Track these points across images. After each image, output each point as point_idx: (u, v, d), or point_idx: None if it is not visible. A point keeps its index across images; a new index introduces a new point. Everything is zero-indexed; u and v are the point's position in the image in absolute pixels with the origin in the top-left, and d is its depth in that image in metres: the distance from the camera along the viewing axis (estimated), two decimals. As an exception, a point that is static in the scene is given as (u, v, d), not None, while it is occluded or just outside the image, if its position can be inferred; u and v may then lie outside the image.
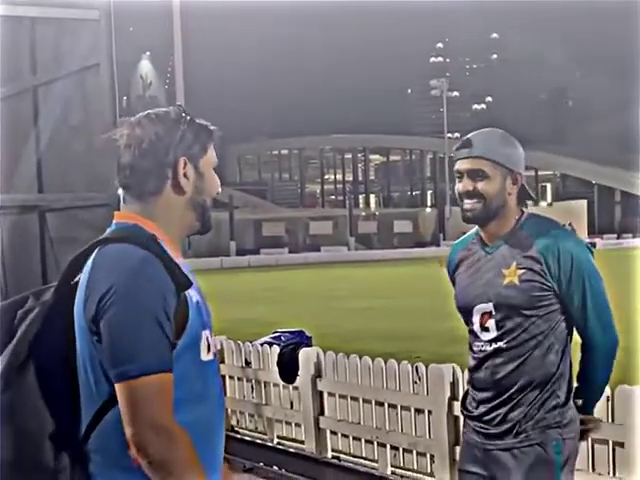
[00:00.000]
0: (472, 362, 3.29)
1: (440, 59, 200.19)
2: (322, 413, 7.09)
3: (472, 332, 3.29)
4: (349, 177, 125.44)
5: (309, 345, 8.11)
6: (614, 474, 4.98)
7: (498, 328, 3.18)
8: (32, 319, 2.29)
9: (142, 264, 2.18)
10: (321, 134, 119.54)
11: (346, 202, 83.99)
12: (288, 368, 7.30)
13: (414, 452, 6.33)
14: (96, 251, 2.26)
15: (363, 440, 6.74)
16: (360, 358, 6.78)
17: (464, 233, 3.50)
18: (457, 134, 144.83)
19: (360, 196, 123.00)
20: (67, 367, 2.27)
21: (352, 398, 6.83)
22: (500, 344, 3.18)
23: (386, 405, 6.53)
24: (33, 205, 8.69)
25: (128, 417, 2.10)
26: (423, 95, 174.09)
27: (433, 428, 6.12)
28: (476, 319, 3.25)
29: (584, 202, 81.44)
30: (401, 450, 6.43)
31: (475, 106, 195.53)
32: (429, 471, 6.22)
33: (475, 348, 3.27)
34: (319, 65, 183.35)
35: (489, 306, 3.20)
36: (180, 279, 2.22)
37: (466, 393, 3.39)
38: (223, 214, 68.91)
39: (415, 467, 6.35)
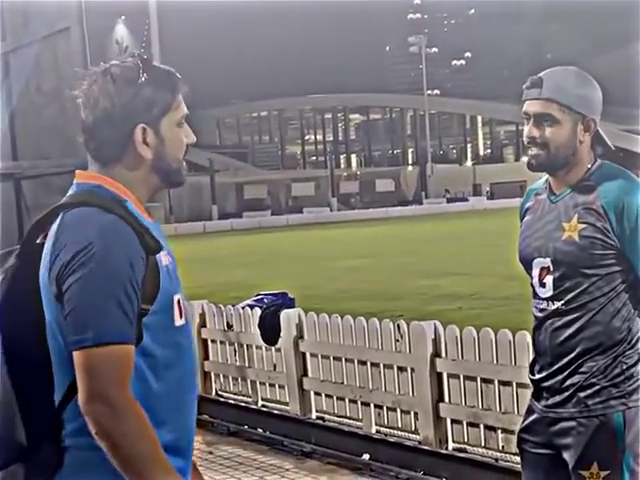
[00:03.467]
0: (534, 321, 3.10)
1: (418, 15, 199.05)
2: (305, 374, 7.07)
3: (532, 287, 3.09)
4: (329, 137, 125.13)
5: (292, 307, 8.08)
6: None
7: (556, 287, 2.98)
8: None
9: (108, 229, 2.10)
10: (300, 94, 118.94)
11: (327, 162, 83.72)
12: (270, 330, 7.26)
13: (398, 410, 6.32)
14: (60, 215, 2.17)
15: (347, 400, 6.74)
16: (341, 318, 6.76)
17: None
18: (437, 91, 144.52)
19: (341, 156, 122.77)
20: (37, 334, 2.20)
21: (335, 358, 6.81)
22: (558, 304, 2.97)
23: (369, 364, 6.51)
24: (8, 173, 8.61)
25: (80, 386, 2.06)
26: (402, 52, 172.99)
27: (416, 385, 6.11)
28: (535, 273, 3.05)
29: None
30: (385, 408, 6.43)
31: (454, 62, 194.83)
32: (413, 428, 6.22)
33: (535, 305, 3.08)
34: (297, 24, 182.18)
35: (547, 261, 3.00)
36: (149, 243, 2.14)
37: (534, 357, 3.19)
38: (204, 178, 68.70)
39: (399, 425, 6.35)
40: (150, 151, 2.23)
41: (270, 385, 7.50)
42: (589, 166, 3.02)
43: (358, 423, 6.66)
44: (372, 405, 6.51)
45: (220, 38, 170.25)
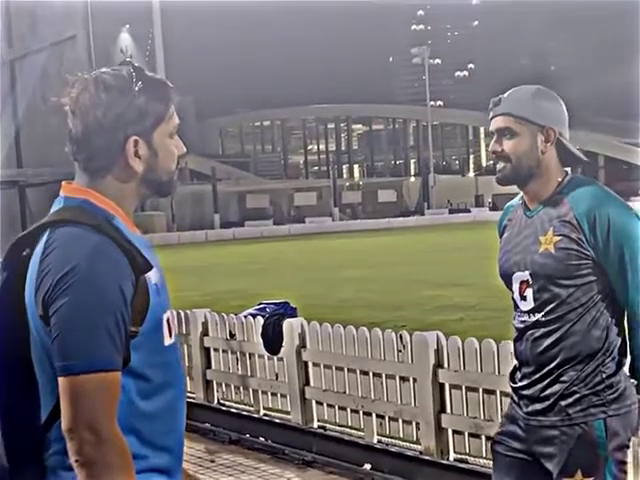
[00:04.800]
0: (515, 333, 3.17)
1: (421, 27, 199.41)
2: (307, 383, 7.08)
3: (513, 301, 3.16)
4: (332, 147, 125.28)
5: (294, 316, 8.09)
6: None
7: (535, 299, 3.05)
8: None
9: (97, 250, 2.02)
10: (303, 104, 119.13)
11: (330, 172, 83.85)
12: (273, 339, 7.28)
13: (400, 420, 6.33)
14: (47, 233, 2.09)
15: (349, 409, 6.74)
16: (344, 328, 6.77)
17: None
18: (440, 102, 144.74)
19: (344, 166, 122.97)
20: (22, 352, 2.14)
21: (337, 368, 6.82)
22: (538, 316, 3.04)
23: (371, 374, 6.52)
24: (13, 180, 8.65)
25: (66, 412, 2.00)
26: (405, 63, 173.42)
27: (418, 396, 6.12)
28: (515, 287, 3.11)
29: (568, 168, 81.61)
30: (387, 418, 6.43)
31: (457, 73, 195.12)
32: (415, 439, 6.23)
33: (516, 318, 3.15)
34: (300, 35, 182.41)
35: (526, 274, 3.07)
36: (138, 263, 2.07)
37: (515, 364, 3.25)
38: (206, 187, 68.81)
39: (401, 435, 6.36)
40: (141, 164, 2.16)
41: (272, 394, 7.51)
42: (559, 180, 3.10)
43: (360, 433, 6.67)
44: (374, 415, 6.52)
45: (224, 47, 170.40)
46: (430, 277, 20.88)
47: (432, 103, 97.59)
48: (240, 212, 74.28)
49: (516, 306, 3.13)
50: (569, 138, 3.17)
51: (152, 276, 2.13)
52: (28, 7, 7.99)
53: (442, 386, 5.97)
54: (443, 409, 5.97)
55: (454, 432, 5.94)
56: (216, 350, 8.10)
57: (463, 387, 5.85)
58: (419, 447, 6.15)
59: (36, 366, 2.13)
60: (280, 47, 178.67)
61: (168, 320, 2.18)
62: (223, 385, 8.09)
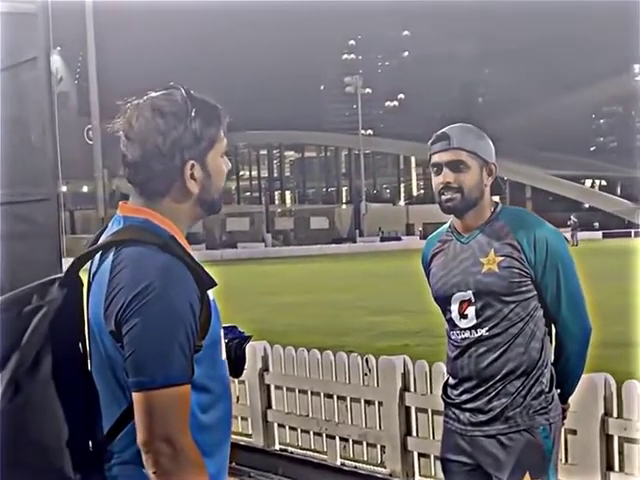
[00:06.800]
0: (453, 350, 3.33)
1: (353, 56, 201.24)
2: (269, 406, 7.11)
3: (450, 321, 3.33)
4: (264, 173, 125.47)
5: (245, 340, 8.09)
6: (566, 461, 5.12)
7: (478, 316, 3.24)
8: (40, 319, 2.17)
9: (166, 269, 2.09)
10: (235, 130, 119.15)
11: (262, 198, 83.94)
12: (235, 362, 7.28)
13: (364, 443, 6.39)
14: (113, 253, 2.15)
15: (312, 432, 6.78)
16: (308, 351, 6.83)
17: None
18: (369, 131, 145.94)
19: (276, 192, 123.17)
20: (80, 367, 2.22)
21: (300, 391, 6.86)
22: (482, 332, 3.23)
23: (335, 397, 6.58)
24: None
25: (143, 425, 2.06)
26: (336, 92, 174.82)
27: (384, 419, 6.19)
28: (454, 307, 3.30)
29: (496, 198, 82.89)
30: (351, 441, 6.49)
31: (388, 103, 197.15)
32: (380, 461, 6.29)
33: (454, 337, 3.32)
34: (233, 62, 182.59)
35: (468, 294, 3.26)
36: (203, 279, 2.15)
37: (447, 381, 3.43)
38: (138, 211, 68.09)
39: (365, 458, 6.41)
40: (197, 185, 2.23)
41: (233, 417, 7.50)
42: (492, 209, 3.36)
43: (322, 456, 6.70)
44: (337, 438, 6.57)
45: (156, 72, 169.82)
46: (368, 303, 21.02)
47: (363, 132, 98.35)
48: (172, 237, 73.96)
49: (454, 325, 3.31)
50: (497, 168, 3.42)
51: (210, 292, 2.20)
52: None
53: (408, 409, 6.05)
54: (409, 432, 6.06)
55: (420, 455, 6.03)
56: (174, 373, 8.06)
57: (429, 410, 5.95)
58: (384, 470, 6.21)
59: (97, 379, 2.20)
60: (213, 76, 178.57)
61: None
62: (181, 409, 8.05)
